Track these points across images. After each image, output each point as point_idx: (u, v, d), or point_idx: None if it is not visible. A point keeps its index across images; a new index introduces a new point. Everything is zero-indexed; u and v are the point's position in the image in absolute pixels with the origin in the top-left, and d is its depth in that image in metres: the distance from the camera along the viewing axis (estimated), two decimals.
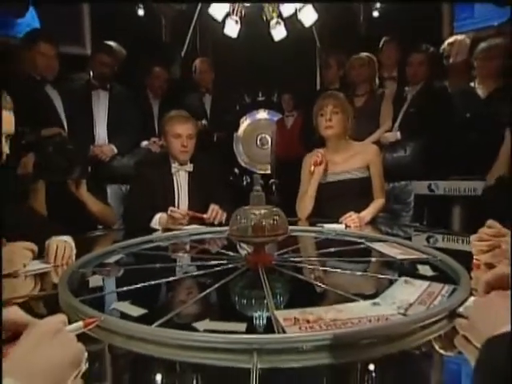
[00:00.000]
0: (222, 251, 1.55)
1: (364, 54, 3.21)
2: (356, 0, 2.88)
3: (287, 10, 1.83)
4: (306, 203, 2.20)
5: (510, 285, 0.80)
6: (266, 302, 1.02)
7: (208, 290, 1.11)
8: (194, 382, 0.77)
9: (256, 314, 1.02)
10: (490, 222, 1.20)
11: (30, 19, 3.41)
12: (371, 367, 0.77)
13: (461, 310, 0.85)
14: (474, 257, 1.23)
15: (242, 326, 0.89)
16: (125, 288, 1.15)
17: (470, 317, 0.76)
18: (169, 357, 0.79)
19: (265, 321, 0.96)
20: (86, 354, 0.63)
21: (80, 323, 0.70)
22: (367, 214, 2.07)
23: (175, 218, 1.98)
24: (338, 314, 0.91)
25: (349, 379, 0.79)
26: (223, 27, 1.97)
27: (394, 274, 1.27)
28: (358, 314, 0.92)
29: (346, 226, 1.93)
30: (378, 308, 0.97)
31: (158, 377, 0.79)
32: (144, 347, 0.80)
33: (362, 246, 1.60)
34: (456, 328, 0.80)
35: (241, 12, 1.86)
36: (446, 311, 0.87)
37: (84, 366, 0.63)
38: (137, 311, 0.97)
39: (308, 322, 0.88)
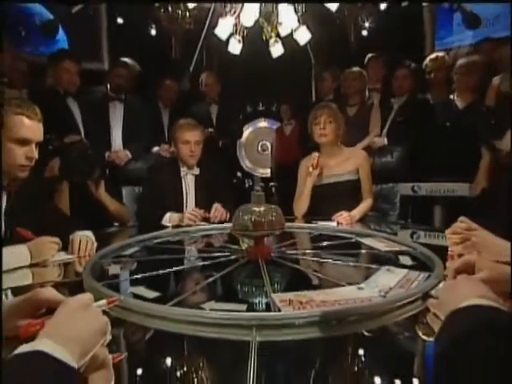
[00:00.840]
0: (226, 245, 1.60)
1: (356, 68, 3.25)
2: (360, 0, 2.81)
3: (284, 30, 1.87)
4: (302, 203, 2.23)
5: (473, 272, 0.86)
6: (264, 287, 1.07)
7: (213, 277, 1.16)
8: (202, 354, 0.82)
9: (255, 297, 1.08)
10: (461, 217, 1.24)
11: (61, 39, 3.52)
12: (356, 340, 0.82)
13: (432, 292, 0.91)
14: (449, 248, 1.27)
15: (243, 307, 0.94)
16: (140, 275, 1.20)
17: (439, 296, 0.82)
18: (180, 331, 0.84)
19: (263, 303, 1.01)
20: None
21: (104, 301, 0.76)
22: (357, 212, 2.10)
23: (195, 216, 2.01)
24: (327, 297, 0.97)
25: (337, 351, 0.83)
26: (227, 45, 2.00)
27: (378, 264, 1.30)
28: (345, 296, 0.97)
29: (338, 224, 1.96)
30: (363, 291, 1.02)
31: (171, 350, 0.84)
32: (158, 323, 0.86)
33: (352, 240, 1.65)
34: (428, 307, 0.86)
35: (243, 32, 1.90)
36: (419, 293, 0.92)
37: (109, 337, 0.69)
38: (151, 294, 1.03)
39: (301, 303, 0.93)
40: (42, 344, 0.54)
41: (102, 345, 0.67)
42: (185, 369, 0.76)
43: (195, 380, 0.72)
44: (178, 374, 0.74)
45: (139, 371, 0.75)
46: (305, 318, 0.82)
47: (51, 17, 3.37)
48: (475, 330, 0.50)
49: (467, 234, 1.21)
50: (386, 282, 1.08)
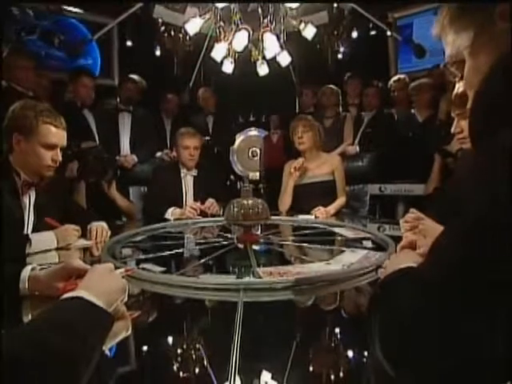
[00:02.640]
0: (220, 233, 1.67)
1: (332, 86, 3.36)
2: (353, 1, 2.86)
3: (269, 53, 1.96)
4: (285, 199, 2.30)
5: (415, 249, 0.97)
6: (251, 267, 1.15)
7: (209, 257, 1.25)
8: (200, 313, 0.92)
9: (244, 273, 1.17)
10: (412, 209, 1.36)
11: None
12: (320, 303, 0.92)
13: (383, 265, 1.02)
14: (402, 234, 1.38)
15: (233, 277, 1.04)
16: (149, 256, 1.29)
17: (386, 266, 0.93)
18: (182, 295, 0.94)
19: (250, 276, 1.10)
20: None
21: (122, 269, 0.86)
22: (332, 208, 2.18)
23: (195, 209, 2.07)
24: (301, 270, 1.08)
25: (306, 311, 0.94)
26: (221, 66, 2.07)
27: (345, 247, 1.39)
28: (316, 269, 1.09)
29: (316, 217, 2.03)
30: (330, 266, 1.13)
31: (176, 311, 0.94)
32: (164, 289, 0.96)
33: (326, 229, 1.75)
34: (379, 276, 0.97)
35: (234, 55, 2.00)
36: (372, 266, 1.04)
37: (126, 296, 0.78)
38: (158, 269, 1.12)
39: (279, 274, 1.04)
40: (80, 293, 0.64)
41: (122, 301, 0.77)
42: (185, 324, 0.86)
43: (195, 333, 0.82)
44: (181, 326, 0.84)
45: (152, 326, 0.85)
46: (282, 283, 0.92)
47: (74, 35, 3.43)
48: (398, 281, 0.60)
49: (416, 223, 1.33)
50: (350, 259, 1.19)
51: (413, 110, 2.97)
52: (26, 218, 1.38)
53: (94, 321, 0.60)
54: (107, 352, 0.65)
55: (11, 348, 0.44)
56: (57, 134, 1.40)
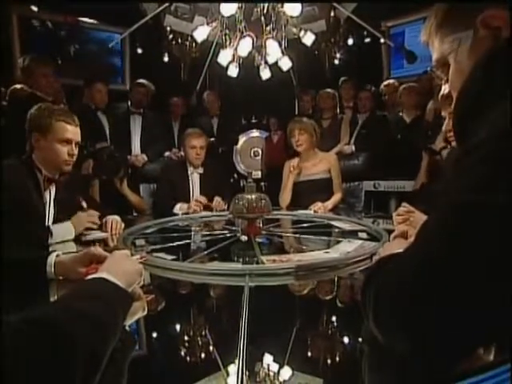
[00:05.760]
0: (226, 226, 1.69)
1: (329, 89, 3.37)
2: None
3: (271, 58, 2.00)
4: (285, 196, 2.32)
5: (407, 238, 1.00)
6: (255, 257, 1.17)
7: (216, 247, 1.27)
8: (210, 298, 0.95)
9: (249, 261, 1.19)
10: (403, 203, 1.38)
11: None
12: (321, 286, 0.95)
13: (377, 252, 1.05)
14: (395, 226, 1.40)
15: (239, 264, 1.07)
16: (160, 246, 1.32)
17: (380, 253, 0.96)
18: (192, 280, 0.97)
19: (254, 264, 1.13)
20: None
21: (138, 255, 0.89)
22: (329, 203, 2.19)
23: (199, 205, 2.09)
24: (302, 257, 1.10)
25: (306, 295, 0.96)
26: (227, 70, 2.08)
27: (342, 238, 1.42)
28: (315, 257, 1.11)
29: (314, 212, 2.04)
30: (328, 254, 1.16)
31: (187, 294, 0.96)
32: (175, 274, 0.98)
33: (324, 222, 1.78)
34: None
35: (239, 60, 2.02)
36: (367, 254, 1.06)
37: (142, 280, 0.81)
38: (169, 257, 1.15)
39: (282, 261, 1.06)
40: (102, 274, 0.66)
41: (138, 284, 0.80)
42: (196, 306, 0.89)
43: (206, 313, 0.85)
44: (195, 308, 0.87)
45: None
46: (284, 268, 0.95)
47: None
48: (389, 261, 0.62)
49: (407, 215, 1.35)
50: (346, 248, 1.22)
51: (401, 113, 2.99)
52: (47, 211, 1.41)
53: (115, 298, 0.63)
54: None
55: (50, 316, 0.47)
56: (71, 130, 1.43)
